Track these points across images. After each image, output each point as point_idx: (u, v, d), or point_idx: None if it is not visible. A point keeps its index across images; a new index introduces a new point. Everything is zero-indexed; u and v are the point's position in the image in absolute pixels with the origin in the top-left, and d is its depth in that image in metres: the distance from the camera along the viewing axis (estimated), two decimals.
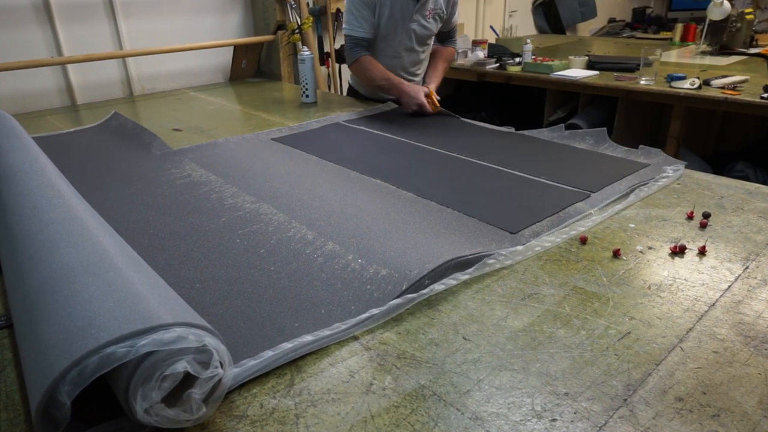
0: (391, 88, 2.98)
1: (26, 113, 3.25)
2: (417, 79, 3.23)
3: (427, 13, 2.99)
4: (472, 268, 1.36)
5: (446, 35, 3.28)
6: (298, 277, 1.36)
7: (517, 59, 4.40)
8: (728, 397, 0.97)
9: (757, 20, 4.79)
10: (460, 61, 4.54)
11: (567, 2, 6.67)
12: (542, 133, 2.45)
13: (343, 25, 3.03)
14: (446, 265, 1.34)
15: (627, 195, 1.80)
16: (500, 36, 6.25)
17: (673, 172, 1.95)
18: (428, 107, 2.87)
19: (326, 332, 1.14)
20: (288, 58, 4.11)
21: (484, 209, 1.71)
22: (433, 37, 3.22)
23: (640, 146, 2.19)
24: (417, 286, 1.28)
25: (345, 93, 3.69)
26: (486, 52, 4.67)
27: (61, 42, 3.34)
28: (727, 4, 4.36)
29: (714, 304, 1.23)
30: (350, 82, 3.50)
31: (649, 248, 1.47)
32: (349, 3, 2.96)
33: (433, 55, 3.29)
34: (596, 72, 4.01)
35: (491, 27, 6.24)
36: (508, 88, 4.40)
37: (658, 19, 7.25)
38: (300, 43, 3.97)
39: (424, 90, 2.91)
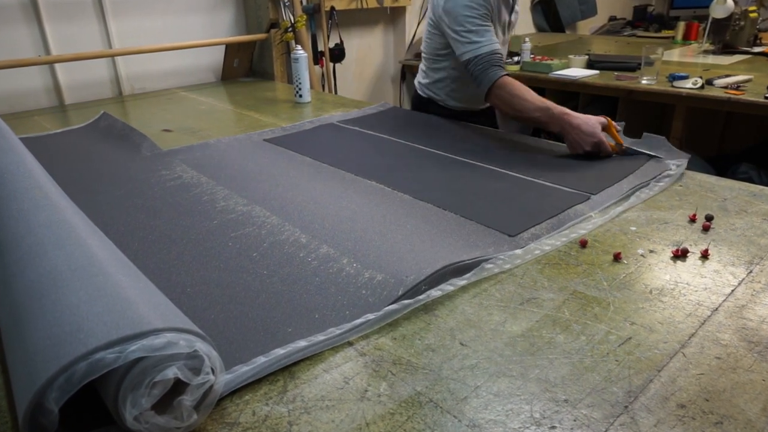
0: (550, 121, 2.25)
1: (13, 113, 3.25)
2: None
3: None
4: (470, 273, 1.36)
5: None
6: (292, 281, 1.35)
7: (516, 58, 4.40)
8: (731, 404, 0.97)
9: (761, 18, 4.79)
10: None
11: (566, 0, 6.68)
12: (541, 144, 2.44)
13: (460, 49, 2.45)
14: (444, 271, 1.34)
15: (628, 197, 1.80)
16: None
17: (676, 167, 1.97)
18: (607, 146, 2.15)
19: (320, 337, 1.14)
20: (281, 57, 4.10)
21: (482, 212, 1.71)
22: None
23: (644, 134, 2.19)
24: (413, 291, 1.28)
25: (407, 104, 3.24)
26: None
27: (49, 40, 3.33)
28: (730, 2, 4.37)
29: (717, 309, 1.23)
30: (418, 88, 2.98)
31: (651, 252, 1.48)
32: (460, 17, 2.42)
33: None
34: (596, 71, 4.02)
35: None
36: None
37: (659, 17, 7.25)
38: (293, 42, 3.96)
39: (601, 122, 2.18)
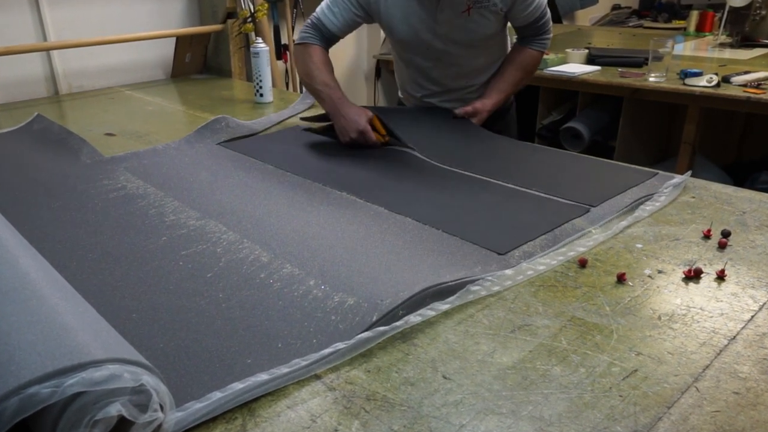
0: (327, 99, 2.55)
1: None
2: (473, 90, 2.83)
3: (464, 9, 2.50)
4: (454, 297, 1.36)
5: (527, 30, 2.74)
6: (251, 305, 1.36)
7: None
8: None
9: None
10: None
11: None
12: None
13: (320, 5, 2.70)
14: (424, 294, 1.34)
15: (633, 210, 1.81)
16: None
17: (673, 188, 1.94)
18: (372, 136, 2.44)
19: (284, 370, 1.14)
20: (239, 52, 4.10)
21: (468, 226, 1.72)
22: (502, 34, 2.77)
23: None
24: (390, 317, 1.28)
25: (382, 104, 3.42)
26: None
27: None
28: None
29: (735, 338, 1.24)
30: (400, 95, 3.15)
31: (659, 272, 1.48)
32: None
33: (506, 59, 2.83)
34: (598, 67, 4.04)
35: None
36: None
37: (669, 5, 7.28)
38: (253, 34, 3.96)
39: (367, 114, 2.48)
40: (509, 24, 2.73)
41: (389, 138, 2.49)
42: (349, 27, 2.69)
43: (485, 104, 2.70)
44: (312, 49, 2.64)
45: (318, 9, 2.67)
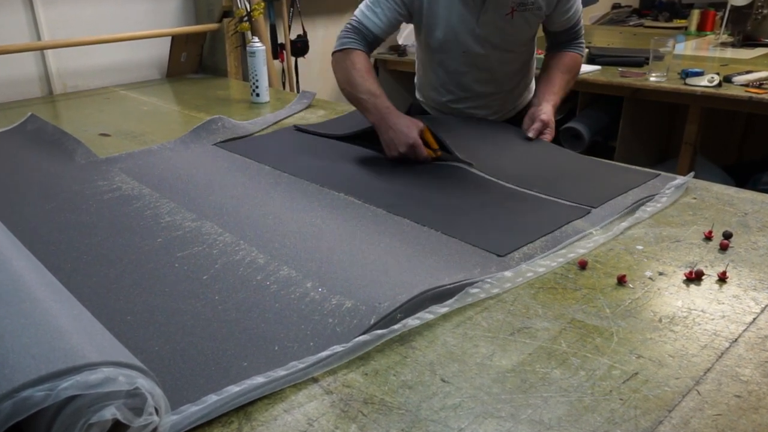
0: (372, 109, 2.37)
1: None
2: (499, 97, 2.76)
3: (508, 10, 2.44)
4: (453, 300, 1.36)
5: (563, 36, 2.71)
6: (248, 308, 1.36)
7: None
8: None
9: None
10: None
11: None
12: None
13: (358, 7, 2.57)
14: (422, 297, 1.34)
15: (633, 211, 1.81)
16: None
17: (675, 189, 1.94)
18: (423, 151, 2.24)
19: (280, 373, 1.14)
20: (235, 51, 4.10)
21: (467, 228, 1.72)
22: (534, 40, 2.73)
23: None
24: (388, 320, 1.28)
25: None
26: None
27: None
28: None
29: (736, 340, 1.24)
30: (419, 99, 3.02)
31: (660, 274, 1.49)
32: None
33: (546, 65, 2.75)
34: (598, 67, 4.05)
35: None
36: None
37: (670, 4, 7.27)
38: (249, 33, 3.95)
39: (418, 126, 2.27)
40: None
41: (441, 153, 2.28)
42: (392, 27, 2.57)
43: (548, 114, 2.54)
44: (354, 55, 2.49)
45: (357, 12, 2.55)
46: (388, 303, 1.31)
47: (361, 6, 2.54)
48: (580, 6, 2.63)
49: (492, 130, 2.61)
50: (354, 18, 2.55)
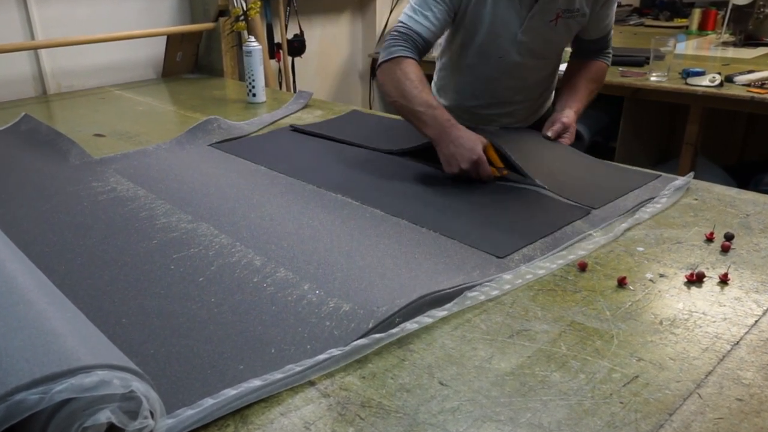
0: (431, 122, 2.18)
1: None
2: (525, 105, 2.69)
3: (553, 17, 2.36)
4: (451, 303, 1.36)
5: (594, 44, 2.62)
6: (244, 310, 1.36)
7: None
8: None
9: None
10: (434, 55, 4.55)
11: None
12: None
13: (403, 12, 2.41)
14: (421, 302, 1.34)
15: (634, 212, 1.81)
16: None
17: (675, 190, 1.93)
18: (487, 168, 2.08)
19: (277, 376, 1.14)
20: (231, 50, 4.10)
21: (466, 229, 1.73)
22: (562, 49, 2.71)
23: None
24: (386, 324, 1.28)
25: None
26: None
27: None
28: None
29: (738, 343, 1.24)
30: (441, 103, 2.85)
31: (661, 276, 1.49)
32: None
33: (571, 72, 2.65)
34: None
35: None
36: None
37: (671, 3, 7.25)
38: (246, 33, 3.95)
39: (482, 141, 2.12)
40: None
41: (507, 172, 2.12)
42: (443, 30, 2.44)
43: (570, 117, 2.44)
44: (405, 64, 2.30)
45: (403, 18, 2.38)
46: (386, 307, 1.32)
47: (407, 11, 2.39)
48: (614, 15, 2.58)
49: (536, 139, 2.48)
50: (401, 24, 2.38)
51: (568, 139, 2.42)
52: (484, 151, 2.10)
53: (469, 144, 2.08)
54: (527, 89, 2.63)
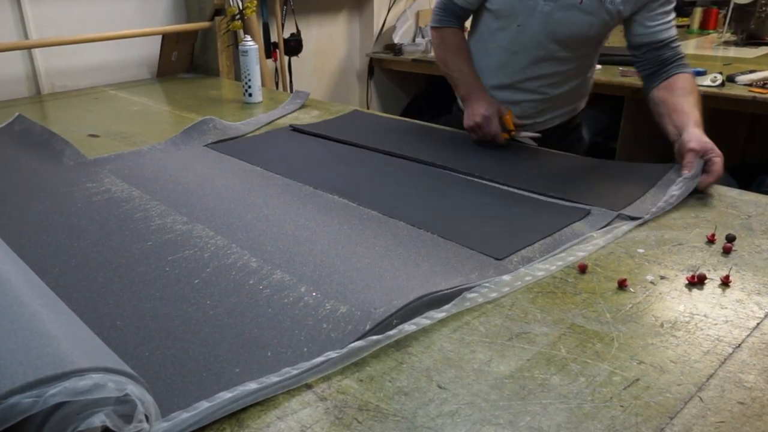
0: (461, 85, 2.63)
1: None
2: (536, 100, 2.65)
3: None
4: (450, 305, 1.35)
5: (664, 51, 2.40)
6: (240, 312, 1.35)
7: None
8: None
9: None
10: (433, 54, 4.55)
11: None
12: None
13: None
14: (418, 303, 1.33)
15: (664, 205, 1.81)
16: None
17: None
18: (495, 123, 2.41)
19: (273, 379, 1.13)
20: (227, 50, 4.10)
21: (465, 231, 1.72)
22: (594, 55, 2.69)
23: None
24: (383, 326, 1.28)
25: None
26: None
27: None
28: None
29: (740, 346, 1.24)
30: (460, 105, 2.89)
31: (662, 278, 1.49)
32: None
33: (660, 100, 2.35)
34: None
35: None
36: None
37: None
38: (242, 32, 3.95)
39: (499, 107, 2.44)
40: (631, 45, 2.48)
41: (515, 132, 2.48)
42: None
43: (694, 137, 2.02)
44: (446, 33, 2.71)
45: None
46: (383, 308, 1.31)
47: None
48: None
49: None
50: None
51: (718, 162, 1.93)
52: (501, 117, 2.45)
53: (485, 103, 2.46)
54: (541, 79, 2.58)
